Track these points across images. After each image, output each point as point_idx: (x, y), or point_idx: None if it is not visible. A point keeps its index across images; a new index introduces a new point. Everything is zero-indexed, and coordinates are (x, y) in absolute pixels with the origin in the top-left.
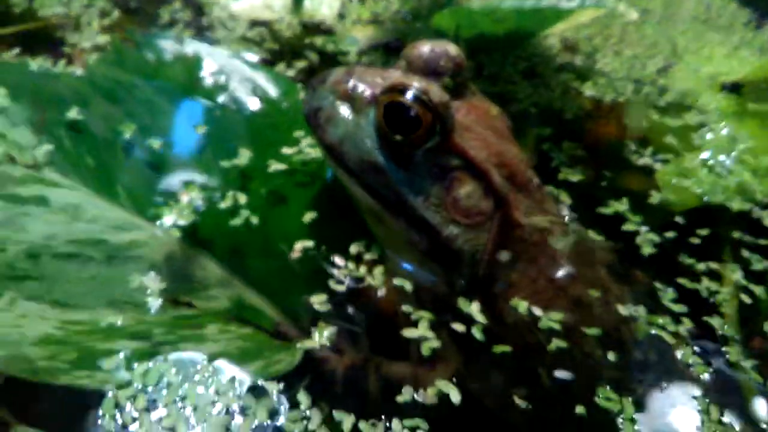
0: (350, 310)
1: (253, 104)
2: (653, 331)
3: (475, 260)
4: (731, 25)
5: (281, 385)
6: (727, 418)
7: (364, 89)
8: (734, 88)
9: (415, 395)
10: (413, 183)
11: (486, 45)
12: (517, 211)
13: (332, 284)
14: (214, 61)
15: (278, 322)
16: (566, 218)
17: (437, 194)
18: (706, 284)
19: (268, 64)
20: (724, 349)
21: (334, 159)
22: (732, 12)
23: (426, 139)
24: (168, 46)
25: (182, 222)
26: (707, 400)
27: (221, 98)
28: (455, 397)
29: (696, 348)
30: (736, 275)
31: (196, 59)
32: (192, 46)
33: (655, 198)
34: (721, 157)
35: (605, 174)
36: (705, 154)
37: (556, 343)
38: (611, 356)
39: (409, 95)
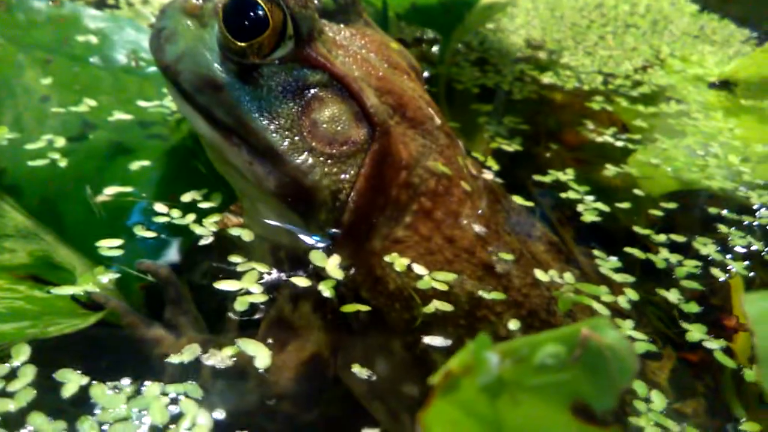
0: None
1: (126, 63)
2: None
3: (339, 202)
4: (727, 41)
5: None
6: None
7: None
8: (724, 86)
9: None
10: (259, 101)
11: (422, 21)
12: (403, 147)
13: (138, 230)
14: (93, 23)
15: (91, 291)
16: (484, 175)
17: (289, 115)
18: (664, 255)
19: None
20: (685, 326)
21: (169, 81)
22: (730, 31)
23: (275, 45)
24: (43, 7)
25: None
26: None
27: (92, 58)
28: None
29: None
30: (708, 249)
31: (73, 20)
32: (70, 8)
33: (610, 171)
34: (705, 143)
35: (551, 147)
36: (686, 140)
37: (435, 306)
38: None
39: None
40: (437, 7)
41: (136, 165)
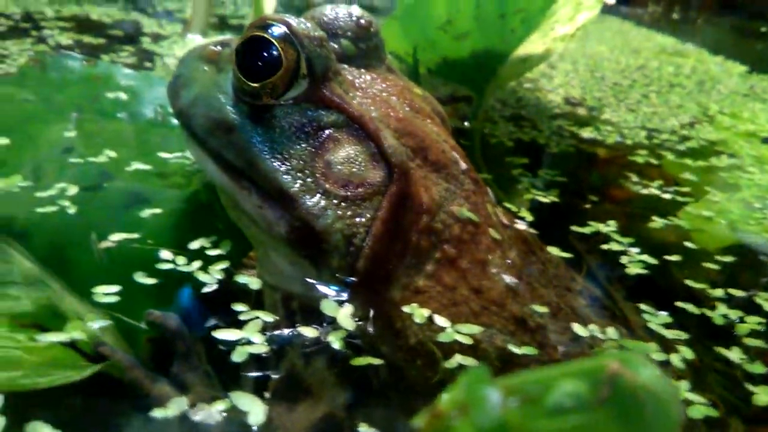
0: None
1: (153, 117)
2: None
3: (353, 248)
4: None
5: None
6: None
7: (231, 46)
8: None
9: None
10: (271, 143)
11: (454, 76)
12: (424, 191)
13: (139, 277)
14: (125, 81)
15: (98, 341)
16: (517, 225)
17: (302, 156)
18: (722, 311)
19: None
20: (750, 388)
21: (183, 125)
22: None
23: (288, 85)
24: (77, 66)
25: None
26: None
27: (120, 114)
28: None
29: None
30: None
31: (105, 79)
32: (104, 68)
33: (657, 223)
34: (762, 197)
35: (592, 199)
36: (741, 194)
37: (458, 361)
38: None
39: (273, 30)
40: (469, 61)
41: (147, 213)
